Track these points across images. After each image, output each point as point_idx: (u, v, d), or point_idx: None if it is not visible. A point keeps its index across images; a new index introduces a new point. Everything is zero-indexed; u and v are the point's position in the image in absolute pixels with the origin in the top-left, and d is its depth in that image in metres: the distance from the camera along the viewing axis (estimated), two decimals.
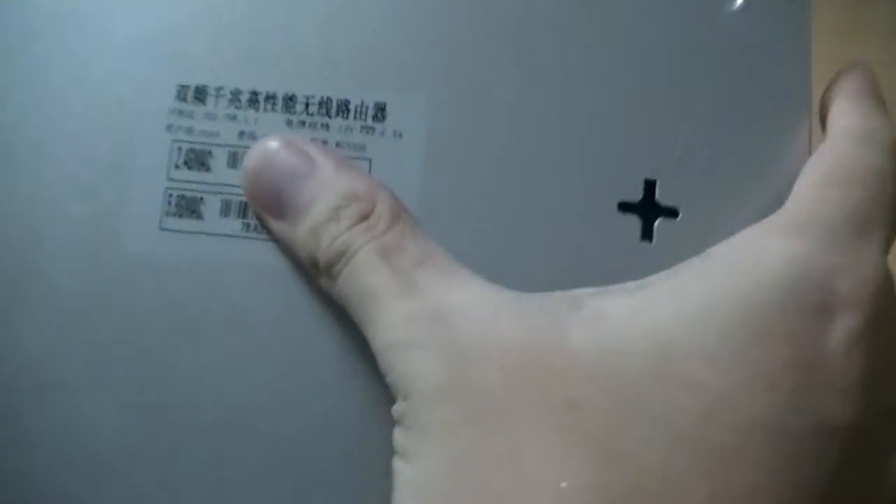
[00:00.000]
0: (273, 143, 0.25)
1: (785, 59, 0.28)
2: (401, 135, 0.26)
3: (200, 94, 0.27)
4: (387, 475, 0.23)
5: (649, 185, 0.27)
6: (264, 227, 0.26)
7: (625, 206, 0.26)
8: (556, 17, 0.27)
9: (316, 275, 0.24)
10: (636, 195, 0.27)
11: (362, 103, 0.27)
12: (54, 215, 0.26)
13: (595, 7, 0.27)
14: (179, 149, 0.26)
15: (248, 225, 0.26)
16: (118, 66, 0.27)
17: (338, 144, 0.26)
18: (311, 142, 0.25)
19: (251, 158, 0.25)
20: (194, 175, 0.26)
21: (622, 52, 0.27)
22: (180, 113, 0.26)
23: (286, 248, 0.25)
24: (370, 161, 0.26)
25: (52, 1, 0.27)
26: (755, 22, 0.28)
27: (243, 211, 0.26)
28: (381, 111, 0.26)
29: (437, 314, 0.22)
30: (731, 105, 0.27)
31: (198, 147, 0.26)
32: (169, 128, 0.26)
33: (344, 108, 0.26)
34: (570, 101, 0.27)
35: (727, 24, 0.28)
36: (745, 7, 0.28)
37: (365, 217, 0.24)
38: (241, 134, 0.26)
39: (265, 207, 0.25)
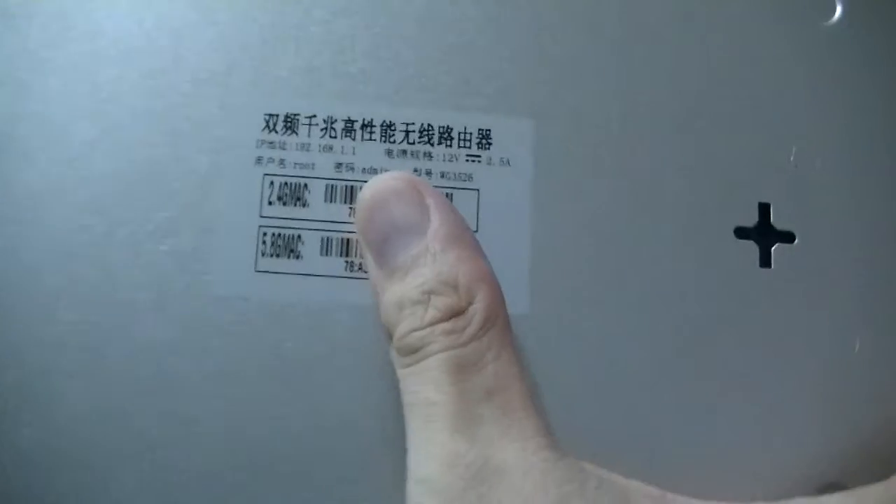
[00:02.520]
0: (395, 183, 0.23)
1: (886, 71, 0.27)
2: (508, 162, 0.25)
3: (291, 123, 0.25)
4: None
5: (764, 209, 0.26)
6: (363, 264, 0.24)
7: (741, 232, 0.25)
8: (666, 39, 0.26)
9: (387, 341, 0.23)
10: (751, 220, 0.26)
11: (465, 129, 0.25)
12: (130, 256, 0.24)
13: (702, 29, 0.26)
14: (272, 183, 0.24)
15: (351, 264, 0.24)
16: (195, 93, 0.24)
17: (443, 175, 0.25)
18: (434, 193, 0.23)
19: (369, 189, 0.23)
20: (290, 211, 0.24)
21: (731, 73, 0.26)
22: (270, 144, 0.24)
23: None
24: (478, 191, 0.25)
25: (118, 26, 0.25)
26: (855, 35, 0.27)
27: (345, 249, 0.24)
28: (485, 138, 0.25)
29: (482, 469, 0.20)
30: (839, 120, 0.26)
31: (292, 181, 0.24)
32: (259, 160, 0.24)
33: (447, 135, 0.25)
34: (682, 125, 0.26)
35: (830, 40, 0.27)
36: (843, 20, 0.27)
37: (455, 314, 0.21)
38: (339, 165, 0.24)
39: (368, 245, 0.23)
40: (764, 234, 0.26)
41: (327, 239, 0.24)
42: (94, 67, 0.25)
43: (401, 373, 0.22)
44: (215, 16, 0.25)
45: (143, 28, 0.25)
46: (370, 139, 0.25)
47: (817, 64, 0.27)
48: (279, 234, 0.24)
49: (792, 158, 0.26)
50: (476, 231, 0.24)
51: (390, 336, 0.22)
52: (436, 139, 0.25)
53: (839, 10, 0.27)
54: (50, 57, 0.25)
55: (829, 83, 0.27)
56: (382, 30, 0.25)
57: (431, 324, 0.21)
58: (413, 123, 0.25)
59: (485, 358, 0.21)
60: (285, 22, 0.25)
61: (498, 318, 0.22)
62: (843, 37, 0.27)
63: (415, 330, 0.21)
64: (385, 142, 0.25)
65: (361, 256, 0.24)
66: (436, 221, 0.22)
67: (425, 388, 0.21)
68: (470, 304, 0.21)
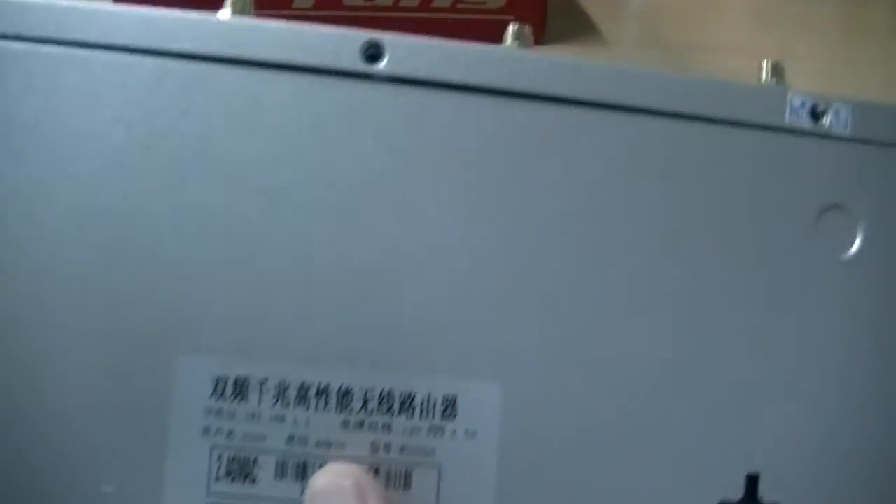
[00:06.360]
0: (341, 480, 0.22)
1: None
2: (474, 434, 0.23)
3: (241, 387, 0.23)
4: None
5: (751, 481, 0.24)
6: None
7: None
8: (655, 279, 0.24)
9: None
10: (737, 492, 0.24)
11: (429, 397, 0.23)
12: None
13: (698, 263, 0.24)
14: (220, 457, 0.23)
15: None
16: (133, 352, 0.23)
17: (402, 449, 0.23)
18: (379, 500, 0.21)
19: (319, 479, 0.22)
20: (238, 488, 0.23)
21: (720, 328, 0.24)
22: (219, 413, 0.23)
23: None
24: (439, 468, 0.23)
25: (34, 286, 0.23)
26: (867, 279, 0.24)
27: None
28: (451, 405, 0.23)
29: None
30: (843, 382, 0.24)
31: (241, 455, 0.23)
32: (206, 431, 0.23)
33: (408, 403, 0.23)
34: (665, 384, 0.23)
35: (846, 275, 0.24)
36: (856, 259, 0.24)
37: None
38: (291, 439, 0.23)
39: None
40: None
41: None
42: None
43: None
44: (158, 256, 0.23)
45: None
46: (325, 408, 0.23)
47: (831, 302, 0.24)
48: None
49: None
50: None
51: None
52: (396, 408, 0.23)
53: (858, 241, 0.24)
54: None
55: (845, 323, 0.24)
56: (341, 280, 0.23)
57: None
58: (372, 389, 0.23)
59: None
60: (228, 267, 0.23)
61: None
62: (861, 272, 0.24)
63: None
64: (341, 411, 0.23)
65: None
66: None
67: None
68: None
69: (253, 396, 0.23)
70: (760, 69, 0.25)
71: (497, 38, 0.48)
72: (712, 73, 0.51)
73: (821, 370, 0.24)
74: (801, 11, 0.65)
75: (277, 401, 0.23)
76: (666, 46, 0.58)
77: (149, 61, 0.23)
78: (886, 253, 0.24)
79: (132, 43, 0.23)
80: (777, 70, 0.25)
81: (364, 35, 0.24)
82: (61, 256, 0.23)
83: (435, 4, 0.48)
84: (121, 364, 0.23)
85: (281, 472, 0.23)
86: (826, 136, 0.24)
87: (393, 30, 0.46)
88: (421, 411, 0.23)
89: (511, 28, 0.25)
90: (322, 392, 0.23)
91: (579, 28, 0.58)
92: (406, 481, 0.23)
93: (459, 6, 0.49)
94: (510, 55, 0.24)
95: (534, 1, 0.50)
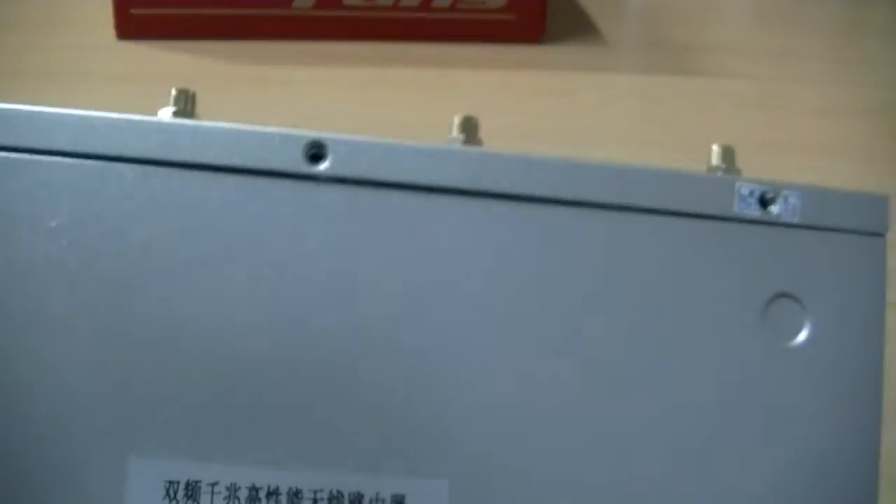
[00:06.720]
0: None
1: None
2: None
3: (193, 491, 0.23)
4: None
5: None
6: None
7: None
8: (594, 392, 0.24)
9: None
10: None
11: (377, 496, 0.23)
12: None
13: (642, 376, 0.24)
14: None
15: None
16: (86, 456, 0.23)
17: None
18: None
19: None
20: None
21: (668, 415, 0.24)
22: None
23: None
24: None
25: None
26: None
27: None
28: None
29: None
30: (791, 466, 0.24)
31: None
32: None
33: (357, 503, 0.23)
34: (614, 471, 0.24)
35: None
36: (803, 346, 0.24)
37: None
38: None
39: None
40: None
41: None
42: None
43: None
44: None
45: None
46: None
47: (778, 389, 0.24)
48: None
49: None
50: None
51: None
52: None
53: (806, 329, 0.24)
54: None
55: (791, 409, 0.24)
56: (280, 387, 0.23)
57: None
58: (322, 490, 0.23)
59: None
60: (175, 371, 0.23)
61: None
62: (807, 359, 0.24)
63: None
64: None
65: None
66: None
67: None
68: None
69: (205, 499, 0.23)
70: (710, 153, 0.25)
71: (497, 37, 0.48)
72: (712, 73, 0.51)
73: (768, 455, 0.24)
74: (801, 11, 0.64)
75: (229, 503, 0.23)
76: (666, 46, 0.57)
77: (91, 165, 0.23)
78: (833, 340, 0.24)
79: (73, 147, 0.23)
80: (727, 154, 0.25)
81: (307, 135, 0.24)
82: (8, 360, 0.23)
83: (435, 4, 0.48)
84: (73, 467, 0.23)
85: None
86: (775, 223, 0.24)
87: (393, 30, 0.46)
88: None
89: (456, 119, 0.25)
90: (272, 494, 0.23)
91: (579, 28, 0.57)
92: None
93: (459, 6, 0.48)
94: (453, 154, 0.24)
95: (534, 1, 0.49)
